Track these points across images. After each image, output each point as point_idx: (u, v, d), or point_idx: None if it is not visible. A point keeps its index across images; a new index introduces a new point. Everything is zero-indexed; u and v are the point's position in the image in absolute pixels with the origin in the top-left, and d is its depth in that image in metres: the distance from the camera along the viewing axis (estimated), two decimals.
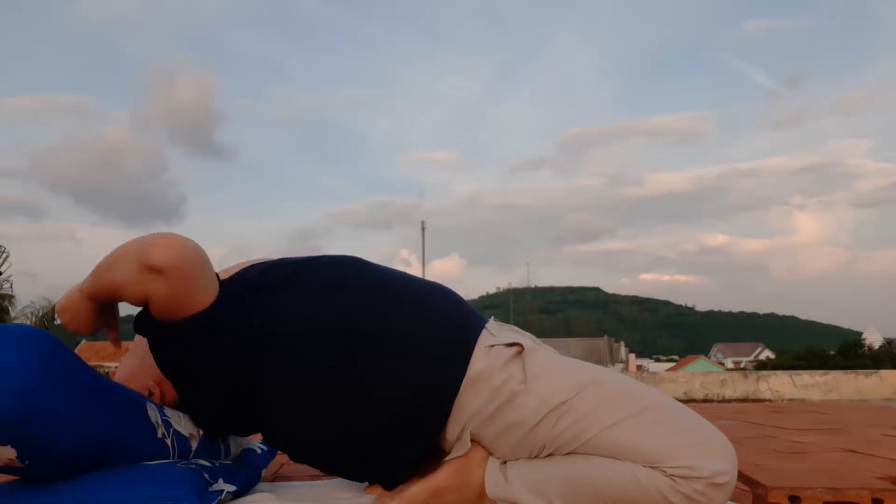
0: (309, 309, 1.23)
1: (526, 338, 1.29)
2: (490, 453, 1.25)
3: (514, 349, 1.22)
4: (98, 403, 1.09)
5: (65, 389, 1.02)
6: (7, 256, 11.65)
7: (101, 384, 1.12)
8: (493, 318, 1.36)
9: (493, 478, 1.23)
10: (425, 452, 1.26)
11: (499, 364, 1.20)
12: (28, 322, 11.76)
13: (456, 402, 1.20)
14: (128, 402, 1.18)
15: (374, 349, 1.20)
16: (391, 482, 1.29)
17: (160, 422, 1.23)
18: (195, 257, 1.15)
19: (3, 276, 11.64)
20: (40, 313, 11.80)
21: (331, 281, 1.28)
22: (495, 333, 1.27)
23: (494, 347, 1.22)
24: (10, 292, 11.78)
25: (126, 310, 1.27)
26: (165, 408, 1.29)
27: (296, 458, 1.32)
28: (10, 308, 11.78)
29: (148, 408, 1.22)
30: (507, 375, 1.19)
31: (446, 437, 1.25)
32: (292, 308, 1.23)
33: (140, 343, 1.45)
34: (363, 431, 1.21)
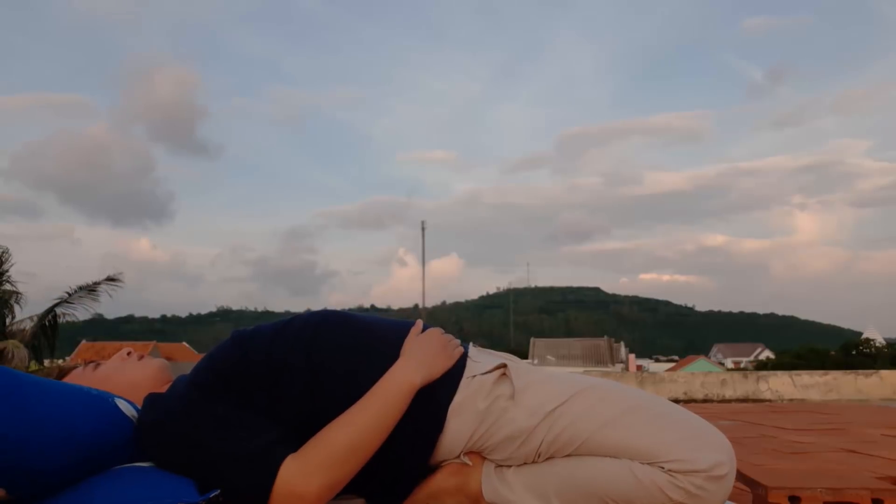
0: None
1: (507, 359, 1.31)
2: (487, 458, 1.27)
3: (498, 372, 1.24)
4: (67, 412, 1.07)
5: (27, 409, 1.00)
6: (9, 256, 11.71)
7: (63, 391, 1.11)
8: (471, 343, 1.39)
9: (490, 481, 1.24)
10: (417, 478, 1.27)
11: (483, 390, 1.22)
12: (31, 323, 11.77)
13: (443, 432, 1.22)
14: (95, 402, 1.16)
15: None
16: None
17: (135, 414, 1.20)
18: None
19: (6, 275, 11.68)
20: (41, 312, 11.84)
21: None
22: (478, 360, 1.29)
23: (476, 377, 1.24)
24: (15, 289, 11.81)
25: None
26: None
27: None
28: (15, 306, 11.82)
29: (118, 403, 1.19)
30: (495, 396, 1.22)
31: (442, 460, 1.27)
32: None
33: (155, 363, 1.40)
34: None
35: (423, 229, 32.34)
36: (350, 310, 1.41)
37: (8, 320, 11.76)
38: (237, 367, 1.20)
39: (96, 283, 12.05)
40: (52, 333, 11.87)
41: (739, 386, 10.50)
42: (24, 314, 12.02)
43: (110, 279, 12.15)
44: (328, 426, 1.13)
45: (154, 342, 46.95)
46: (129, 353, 1.42)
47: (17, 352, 10.37)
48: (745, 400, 9.95)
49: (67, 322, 12.19)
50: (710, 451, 1.09)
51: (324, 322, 1.28)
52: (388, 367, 1.20)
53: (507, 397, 1.21)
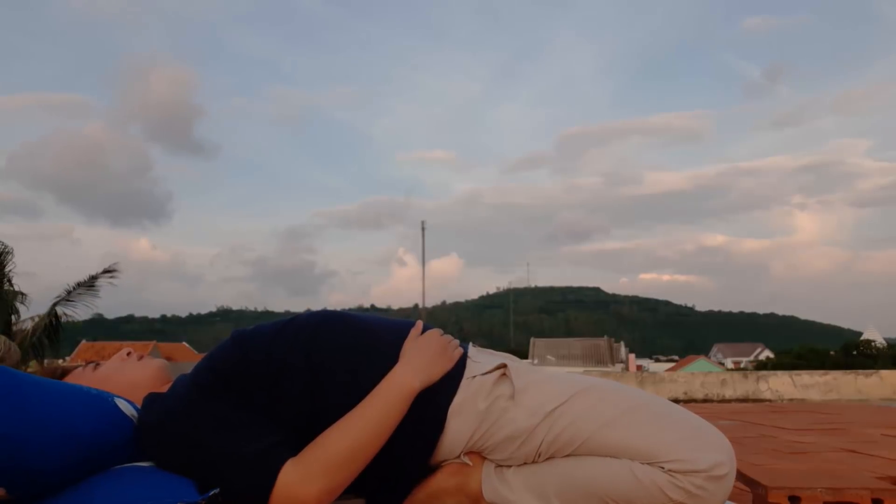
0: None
1: (507, 359, 1.31)
2: (488, 458, 1.27)
3: (498, 372, 1.25)
4: (67, 412, 1.07)
5: (27, 409, 1.00)
6: (11, 256, 11.70)
7: (63, 391, 1.10)
8: (471, 343, 1.39)
9: (490, 481, 1.24)
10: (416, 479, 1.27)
11: (483, 391, 1.22)
12: (32, 323, 11.77)
13: (444, 432, 1.22)
14: (95, 402, 1.16)
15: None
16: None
17: (135, 414, 1.20)
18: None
19: (9, 274, 11.67)
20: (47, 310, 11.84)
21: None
22: (478, 360, 1.29)
23: (476, 378, 1.24)
24: (19, 290, 11.80)
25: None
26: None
27: None
28: (18, 307, 11.81)
29: (118, 403, 1.19)
30: (495, 396, 1.22)
31: (443, 460, 1.27)
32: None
33: (155, 363, 1.40)
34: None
35: (422, 229, 32.34)
36: (350, 310, 1.41)
37: (14, 318, 11.74)
38: (237, 367, 1.20)
39: (94, 277, 12.02)
40: (55, 333, 11.87)
41: (739, 386, 10.50)
42: (25, 314, 12.02)
43: (108, 271, 12.12)
44: (328, 430, 1.13)
45: (154, 342, 46.91)
46: (128, 353, 1.42)
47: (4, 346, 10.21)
48: (745, 400, 9.95)
49: (68, 322, 12.18)
50: (711, 451, 1.09)
51: (324, 322, 1.28)
52: (389, 368, 1.20)
53: (507, 397, 1.21)
